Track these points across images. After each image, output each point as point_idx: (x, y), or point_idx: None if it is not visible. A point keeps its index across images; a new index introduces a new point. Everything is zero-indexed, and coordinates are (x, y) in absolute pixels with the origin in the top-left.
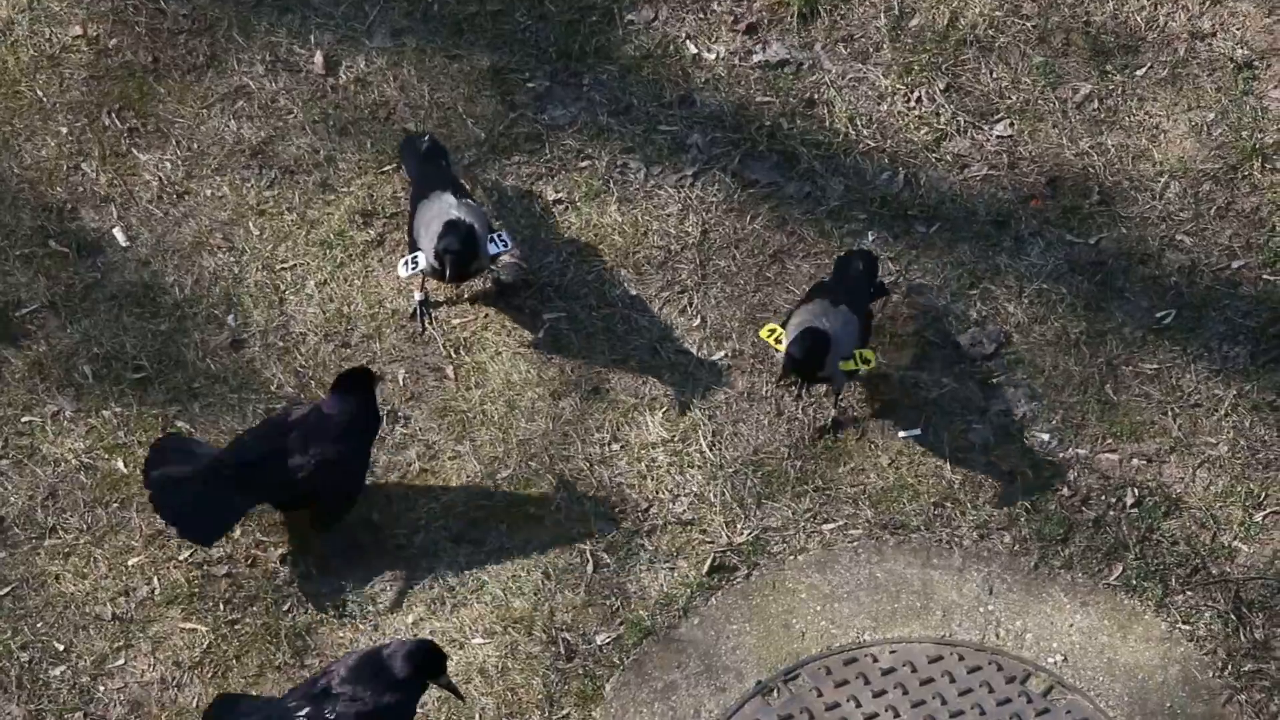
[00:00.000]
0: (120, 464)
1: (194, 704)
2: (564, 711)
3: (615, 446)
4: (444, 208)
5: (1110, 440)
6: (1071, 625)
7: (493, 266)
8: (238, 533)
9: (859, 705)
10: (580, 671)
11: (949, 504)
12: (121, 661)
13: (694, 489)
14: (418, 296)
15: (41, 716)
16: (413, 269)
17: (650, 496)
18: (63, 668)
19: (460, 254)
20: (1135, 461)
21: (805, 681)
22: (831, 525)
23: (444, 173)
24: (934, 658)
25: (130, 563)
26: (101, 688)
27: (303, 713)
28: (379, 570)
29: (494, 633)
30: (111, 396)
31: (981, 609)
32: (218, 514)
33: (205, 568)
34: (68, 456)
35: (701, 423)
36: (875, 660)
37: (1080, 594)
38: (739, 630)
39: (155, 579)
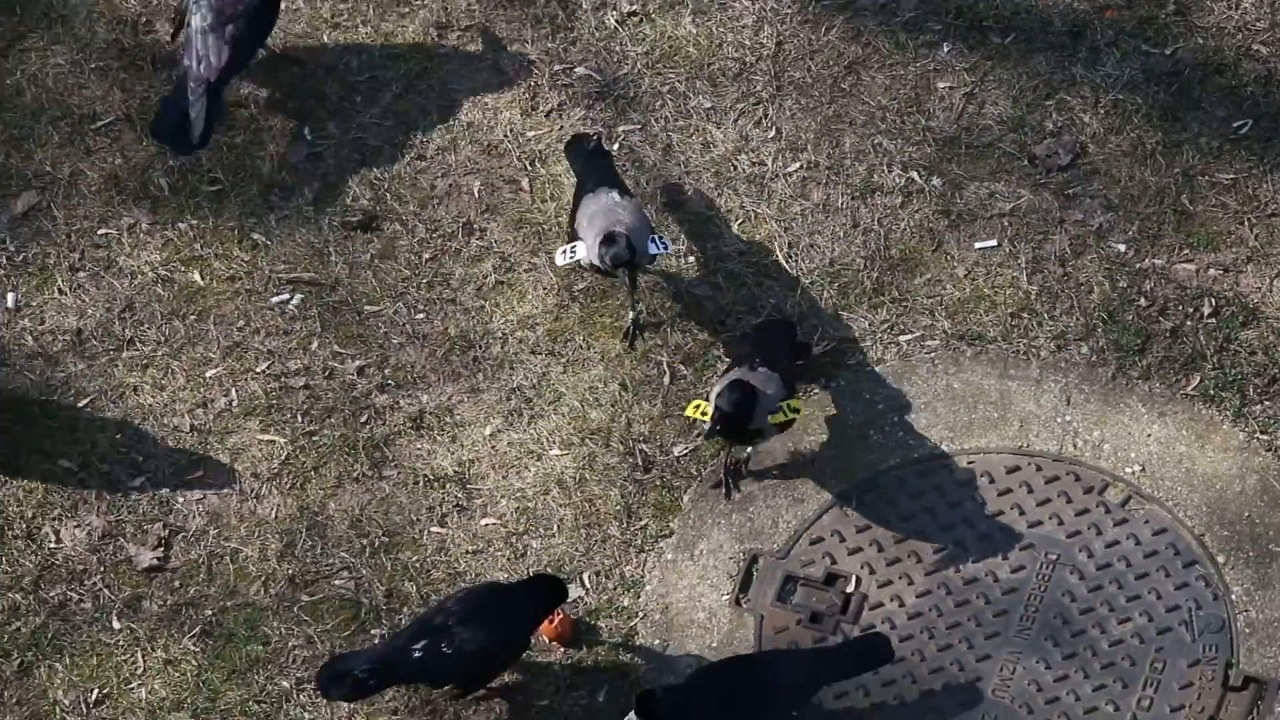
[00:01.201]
0: (197, 276)
1: (273, 515)
2: (642, 522)
3: (690, 259)
4: (608, 204)
5: (1187, 250)
6: (1149, 435)
7: (649, 266)
8: (314, 345)
9: (934, 516)
10: (658, 483)
11: (1026, 315)
12: (200, 473)
13: (771, 300)
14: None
15: (121, 527)
16: (570, 258)
17: (727, 308)
18: (142, 479)
19: (621, 256)
20: (1212, 271)
21: (882, 492)
22: (908, 336)
23: (608, 171)
24: (1011, 468)
25: (208, 374)
26: (180, 499)
27: (418, 647)
28: (456, 382)
29: (571, 444)
30: (187, 209)
31: (1059, 419)
32: None
33: (283, 379)
34: (144, 269)
35: (777, 234)
36: (952, 471)
37: (1158, 404)
38: (816, 442)
39: (233, 391)
